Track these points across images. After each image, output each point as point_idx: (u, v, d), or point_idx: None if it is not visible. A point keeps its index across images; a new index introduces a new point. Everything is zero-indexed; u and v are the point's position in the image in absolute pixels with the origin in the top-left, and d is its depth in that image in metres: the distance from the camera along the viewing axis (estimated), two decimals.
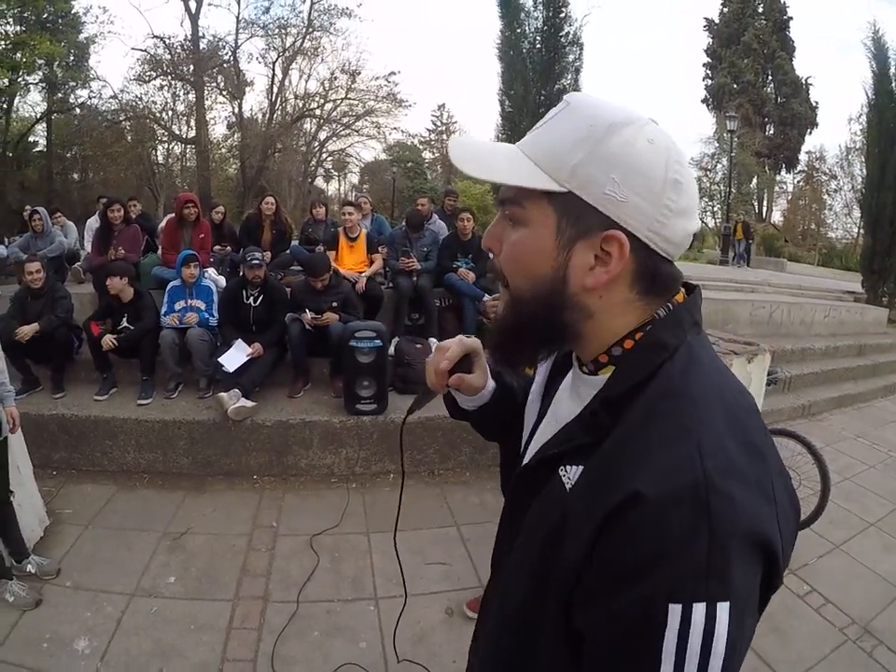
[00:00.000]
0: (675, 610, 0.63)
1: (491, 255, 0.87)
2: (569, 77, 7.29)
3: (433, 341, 6.14)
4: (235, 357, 5.21)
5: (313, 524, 4.34)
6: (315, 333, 5.43)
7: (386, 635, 3.29)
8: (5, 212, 19.08)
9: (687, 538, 0.63)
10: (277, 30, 27.36)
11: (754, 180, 39.17)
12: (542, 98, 7.25)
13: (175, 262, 6.04)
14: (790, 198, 42.88)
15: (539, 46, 7.25)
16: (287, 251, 7.50)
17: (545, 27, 7.23)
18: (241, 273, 5.77)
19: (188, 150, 30.53)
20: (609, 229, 0.75)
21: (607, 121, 0.75)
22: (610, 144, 0.74)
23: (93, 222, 8.16)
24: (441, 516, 4.56)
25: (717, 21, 40.66)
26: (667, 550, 0.64)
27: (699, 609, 0.62)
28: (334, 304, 5.57)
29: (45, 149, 29.82)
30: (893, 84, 11.43)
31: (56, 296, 5.60)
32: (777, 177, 41.87)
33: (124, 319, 5.52)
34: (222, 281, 6.41)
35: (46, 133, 29.50)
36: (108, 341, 5.29)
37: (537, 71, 7.17)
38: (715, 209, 40.76)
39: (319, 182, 41.86)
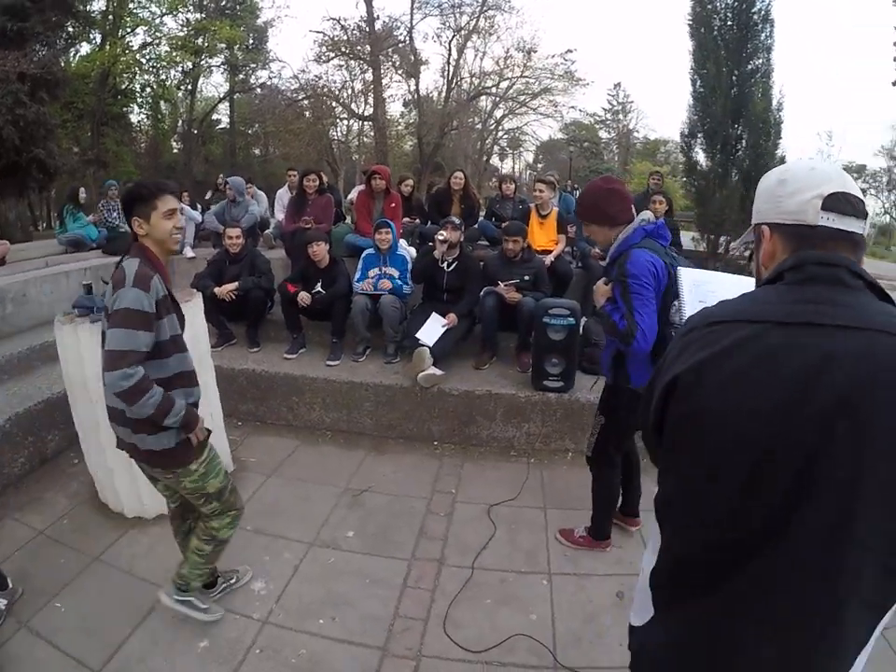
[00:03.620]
0: None
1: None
2: (762, 56, 6.71)
3: None
4: (432, 329, 5.22)
5: (491, 493, 4.28)
6: (505, 308, 5.34)
7: (557, 609, 3.18)
8: (191, 183, 20.63)
9: None
10: (451, 9, 27.40)
11: None
12: (734, 79, 6.73)
13: (367, 231, 6.17)
14: None
15: (729, 23, 6.72)
16: (475, 226, 7.48)
17: (735, 2, 6.70)
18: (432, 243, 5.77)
19: (365, 127, 31.40)
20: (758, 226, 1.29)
21: None
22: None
23: (283, 192, 8.59)
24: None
25: None
26: None
27: None
28: (526, 278, 5.45)
29: (228, 126, 32.08)
30: None
31: (256, 261, 6.05)
32: None
33: (318, 284, 5.73)
34: (413, 252, 6.48)
35: (228, 112, 31.75)
36: (304, 297, 5.56)
37: (729, 49, 6.66)
38: None
39: (494, 160, 42.03)
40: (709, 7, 6.80)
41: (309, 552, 3.57)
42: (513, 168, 46.30)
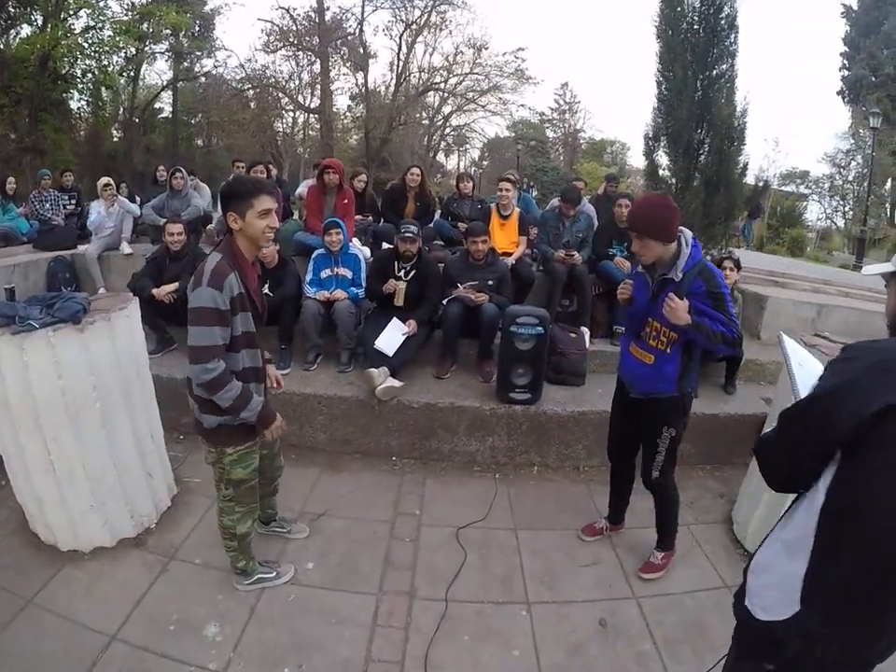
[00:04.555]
0: None
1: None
2: (727, 62, 6.70)
3: (585, 330, 5.75)
4: (392, 338, 4.91)
5: (457, 514, 4.04)
6: (467, 314, 5.10)
7: (540, 642, 3.01)
8: (131, 173, 19.83)
9: None
10: (403, 3, 27.61)
11: (888, 182, 35.84)
12: (699, 83, 6.69)
13: (318, 228, 5.89)
14: None
15: (696, 27, 6.67)
16: (431, 225, 7.16)
17: (703, 7, 6.66)
18: (394, 245, 5.43)
19: (311, 119, 31.04)
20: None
21: None
22: None
23: None
24: (589, 516, 4.17)
25: (855, 9, 37.33)
26: None
27: None
28: (490, 282, 5.21)
29: (170, 116, 30.79)
30: None
31: (198, 259, 5.49)
32: None
33: (265, 286, 5.29)
34: (367, 251, 6.14)
35: (172, 101, 30.44)
36: None
37: (695, 53, 6.60)
38: (846, 209, 37.95)
39: (439, 157, 41.84)
40: (678, 9, 6.71)
41: (266, 588, 3.22)
42: (458, 165, 46.21)
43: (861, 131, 33.53)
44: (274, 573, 3.25)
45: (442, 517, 4.01)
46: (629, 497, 3.87)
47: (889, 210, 36.19)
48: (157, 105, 30.40)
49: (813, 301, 6.81)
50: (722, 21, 6.62)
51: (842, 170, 37.01)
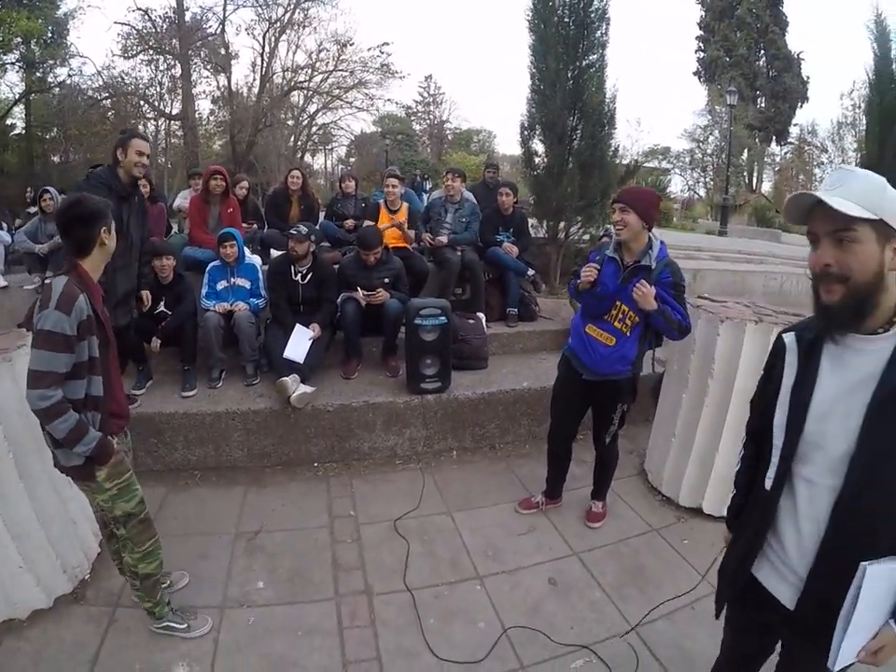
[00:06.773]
0: None
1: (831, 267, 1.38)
2: (597, 52, 7.02)
3: (481, 315, 5.94)
4: (299, 345, 4.88)
5: (391, 508, 4.13)
6: (367, 312, 5.17)
7: (501, 611, 3.19)
8: None
9: None
10: (266, 0, 26.92)
11: (745, 152, 38.84)
12: (572, 73, 6.99)
13: (205, 241, 5.84)
14: (777, 169, 42.29)
15: (567, 20, 6.95)
16: (316, 227, 7.04)
17: (573, 1, 6.96)
18: (287, 249, 5.35)
19: (172, 126, 29.61)
20: None
21: (882, 182, 1.37)
22: (890, 192, 1.36)
23: None
24: (514, 490, 4.43)
25: None
26: None
27: None
28: (386, 281, 5.29)
29: (23, 132, 28.12)
30: (894, 66, 12.03)
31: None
32: (768, 150, 41.38)
33: (161, 303, 5.07)
34: (257, 260, 5.97)
35: (24, 115, 27.72)
36: (156, 345, 4.98)
37: (567, 45, 6.88)
38: (707, 180, 41.00)
39: (306, 157, 40.90)
40: (550, 4, 6.96)
41: (223, 617, 3.10)
42: (325, 164, 45.77)
43: (716, 107, 36.41)
44: (186, 625, 2.98)
45: (377, 513, 4.07)
46: (566, 473, 4.18)
47: (747, 177, 39.19)
48: (8, 122, 27.47)
49: (689, 267, 7.41)
50: (592, 15, 6.91)
51: (701, 144, 39.95)
